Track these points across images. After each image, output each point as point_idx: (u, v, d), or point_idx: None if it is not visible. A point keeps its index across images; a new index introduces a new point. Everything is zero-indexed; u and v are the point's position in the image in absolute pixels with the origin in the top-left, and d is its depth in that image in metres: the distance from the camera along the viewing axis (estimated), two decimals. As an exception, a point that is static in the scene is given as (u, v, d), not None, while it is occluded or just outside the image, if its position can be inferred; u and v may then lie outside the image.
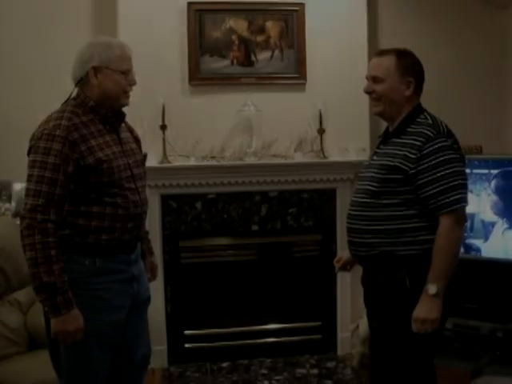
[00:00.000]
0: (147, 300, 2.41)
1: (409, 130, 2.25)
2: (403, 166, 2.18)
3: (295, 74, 3.80)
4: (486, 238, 3.55)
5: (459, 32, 4.37)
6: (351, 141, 3.85)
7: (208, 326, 3.89)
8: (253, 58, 3.90)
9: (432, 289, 2.09)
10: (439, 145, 2.16)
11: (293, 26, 3.87)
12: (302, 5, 3.85)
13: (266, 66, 3.88)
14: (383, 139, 2.37)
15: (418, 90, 2.33)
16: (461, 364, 3.70)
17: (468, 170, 3.47)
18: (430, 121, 2.25)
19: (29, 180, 2.09)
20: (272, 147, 3.77)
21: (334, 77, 3.80)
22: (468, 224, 3.61)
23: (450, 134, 2.23)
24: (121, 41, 2.32)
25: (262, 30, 3.89)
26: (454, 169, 2.16)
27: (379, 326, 2.33)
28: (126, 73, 2.23)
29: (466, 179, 2.21)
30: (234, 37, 3.87)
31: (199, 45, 3.79)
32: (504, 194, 3.43)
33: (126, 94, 2.25)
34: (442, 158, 2.15)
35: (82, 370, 2.19)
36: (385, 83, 2.28)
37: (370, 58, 3.91)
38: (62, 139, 2.07)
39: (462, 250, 3.72)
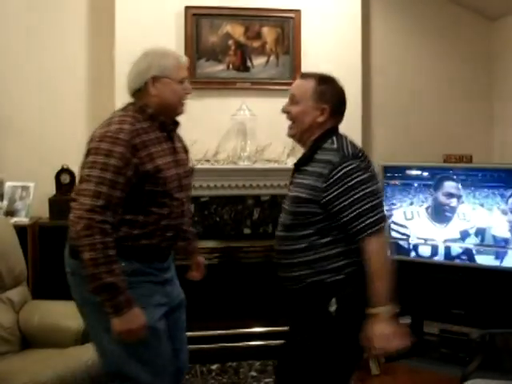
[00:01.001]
0: (181, 303, 2.43)
1: (316, 157, 2.24)
2: (314, 198, 2.17)
3: (290, 79, 3.84)
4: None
5: (450, 44, 4.55)
6: (343, 148, 3.90)
7: (198, 328, 3.89)
8: (248, 63, 3.99)
9: (384, 311, 2.10)
10: (345, 169, 2.15)
11: (289, 32, 3.98)
12: (298, 12, 3.97)
13: (262, 71, 3.97)
14: (296, 168, 2.36)
15: (334, 116, 2.32)
16: (448, 369, 3.78)
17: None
18: (335, 145, 2.24)
19: (87, 180, 2.07)
20: (265, 152, 3.85)
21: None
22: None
23: (355, 155, 2.22)
24: (175, 51, 2.33)
25: (258, 35, 3.99)
26: (366, 190, 2.15)
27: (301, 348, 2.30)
28: (183, 82, 2.25)
29: (379, 197, 2.22)
30: (230, 42, 3.95)
31: (196, 49, 3.87)
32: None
33: (182, 102, 2.28)
34: (350, 183, 2.14)
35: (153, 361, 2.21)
36: (299, 105, 2.29)
37: (362, 67, 4.11)
38: (125, 143, 2.07)
39: (446, 256, 3.88)
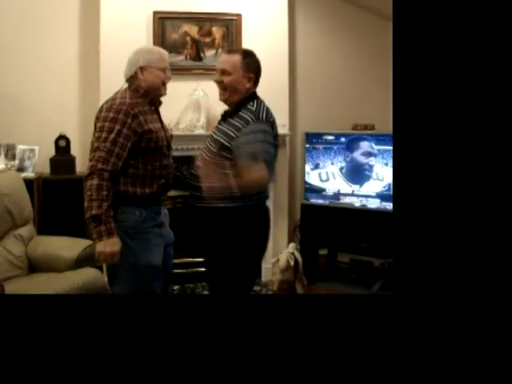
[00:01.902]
0: (171, 242, 2.71)
1: (240, 113, 2.46)
2: (227, 144, 2.44)
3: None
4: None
5: (357, 38, 5.06)
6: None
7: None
8: (202, 54, 4.38)
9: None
10: (254, 127, 2.41)
11: (232, 31, 4.42)
12: (239, 15, 4.45)
13: (212, 60, 4.29)
14: (223, 117, 2.58)
15: (256, 83, 2.55)
16: (357, 289, 4.32)
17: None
18: (254, 108, 2.46)
19: (97, 140, 2.34)
20: (215, 122, 3.87)
21: (262, 70, 4.19)
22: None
23: (268, 121, 2.46)
24: (159, 47, 2.69)
25: (209, 33, 4.39)
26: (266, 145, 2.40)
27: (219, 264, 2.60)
28: (164, 70, 2.51)
29: (271, 154, 2.43)
30: (187, 38, 4.35)
31: (161, 43, 4.17)
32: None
33: (164, 85, 2.53)
34: (259, 139, 2.39)
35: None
36: (231, 76, 2.49)
37: (289, 56, 4.67)
38: (127, 112, 2.35)
39: (358, 203, 4.41)
